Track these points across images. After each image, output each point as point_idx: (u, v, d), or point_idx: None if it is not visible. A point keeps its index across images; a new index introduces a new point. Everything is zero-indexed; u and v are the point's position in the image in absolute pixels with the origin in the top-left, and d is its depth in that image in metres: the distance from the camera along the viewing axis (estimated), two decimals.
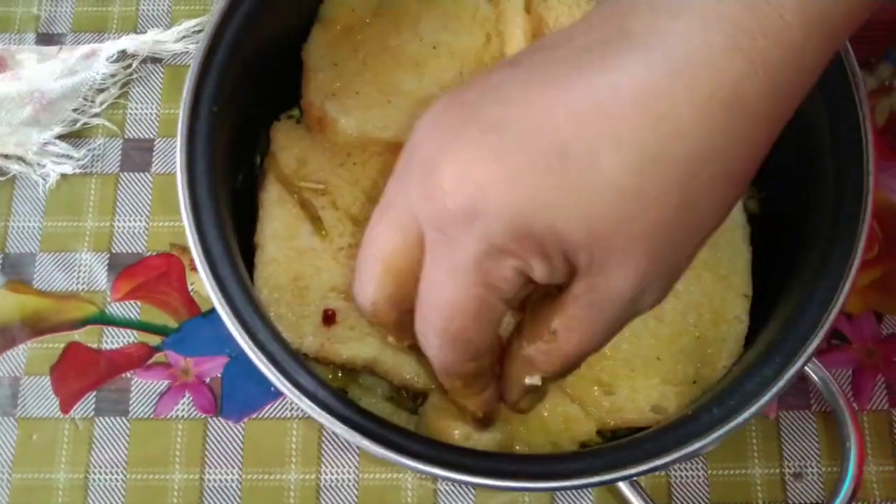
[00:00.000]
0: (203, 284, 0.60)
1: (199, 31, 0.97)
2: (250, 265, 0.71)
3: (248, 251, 0.72)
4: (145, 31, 0.97)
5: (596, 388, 0.69)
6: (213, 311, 0.63)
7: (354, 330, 0.70)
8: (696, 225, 0.44)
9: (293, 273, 0.71)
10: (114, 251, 0.91)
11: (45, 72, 0.93)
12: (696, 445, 0.57)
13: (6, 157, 0.92)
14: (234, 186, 0.73)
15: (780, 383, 0.57)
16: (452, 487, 0.79)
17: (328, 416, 0.55)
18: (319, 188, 0.74)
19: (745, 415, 0.57)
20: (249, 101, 0.73)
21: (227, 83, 0.67)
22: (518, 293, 0.47)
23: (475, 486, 0.77)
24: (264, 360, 0.57)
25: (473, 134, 0.43)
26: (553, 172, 0.41)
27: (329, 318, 0.70)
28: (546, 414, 0.69)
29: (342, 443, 0.81)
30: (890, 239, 0.92)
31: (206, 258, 0.59)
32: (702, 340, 0.70)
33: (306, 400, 0.56)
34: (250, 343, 0.57)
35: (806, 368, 0.68)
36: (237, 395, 0.86)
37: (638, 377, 0.68)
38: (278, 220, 0.72)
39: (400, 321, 0.51)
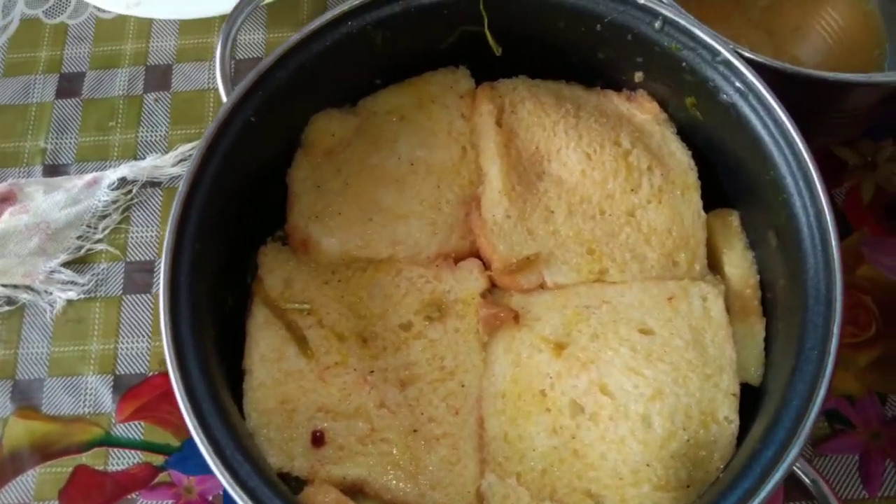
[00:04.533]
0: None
1: None
2: (241, 390, 0.73)
3: (241, 375, 0.74)
4: (144, 157, 1.02)
5: (588, 499, 0.68)
6: None
7: (344, 450, 0.71)
8: None
9: (281, 396, 0.72)
10: (118, 372, 0.93)
11: (51, 202, 0.98)
12: None
13: (15, 286, 0.96)
14: (223, 312, 0.75)
15: (762, 495, 0.56)
16: None
17: None
18: (305, 308, 0.76)
19: None
20: (236, 229, 0.76)
21: (211, 219, 0.70)
22: None
23: None
24: (246, 499, 0.58)
25: None
26: None
27: (318, 438, 0.71)
28: None
29: None
30: (888, 316, 0.90)
31: (193, 407, 0.61)
32: (693, 443, 0.69)
33: None
34: (232, 483, 0.58)
35: (796, 470, 0.67)
36: None
37: (626, 486, 0.68)
38: (265, 344, 0.74)
39: None
